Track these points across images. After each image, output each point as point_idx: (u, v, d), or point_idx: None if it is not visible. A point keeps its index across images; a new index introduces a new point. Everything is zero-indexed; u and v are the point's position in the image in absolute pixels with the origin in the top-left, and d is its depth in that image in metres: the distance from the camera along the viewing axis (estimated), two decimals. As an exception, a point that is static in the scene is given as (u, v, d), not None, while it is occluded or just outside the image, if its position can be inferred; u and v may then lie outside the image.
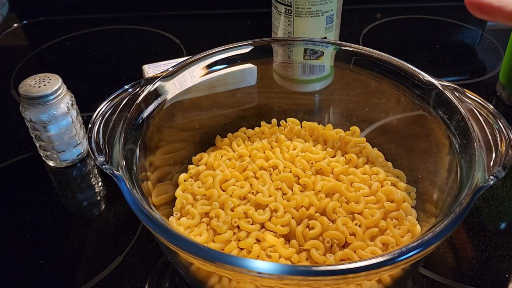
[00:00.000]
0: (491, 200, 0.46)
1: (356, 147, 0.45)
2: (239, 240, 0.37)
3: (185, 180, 0.42)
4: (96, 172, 0.50)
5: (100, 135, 0.34)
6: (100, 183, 0.49)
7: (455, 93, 0.37)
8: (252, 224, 0.38)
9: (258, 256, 0.36)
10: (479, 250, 0.41)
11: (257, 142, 0.45)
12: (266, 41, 0.46)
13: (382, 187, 0.41)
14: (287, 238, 0.38)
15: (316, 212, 0.38)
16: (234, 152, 0.45)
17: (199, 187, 0.41)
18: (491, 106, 0.36)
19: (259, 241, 0.37)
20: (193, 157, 0.45)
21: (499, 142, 0.33)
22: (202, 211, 0.39)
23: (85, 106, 0.54)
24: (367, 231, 0.37)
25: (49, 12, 0.79)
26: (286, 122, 0.49)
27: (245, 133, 0.48)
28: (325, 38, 0.54)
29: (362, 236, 0.37)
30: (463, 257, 0.41)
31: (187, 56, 0.59)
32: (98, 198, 0.47)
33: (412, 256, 0.27)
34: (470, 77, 0.64)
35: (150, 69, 0.56)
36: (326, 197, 0.39)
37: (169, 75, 0.41)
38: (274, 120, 0.48)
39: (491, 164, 0.32)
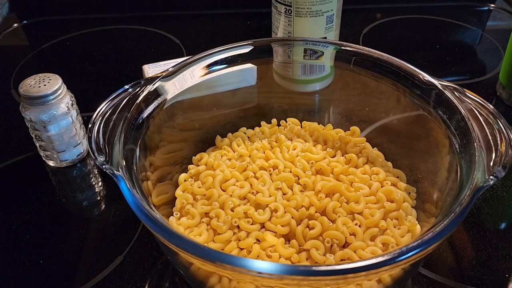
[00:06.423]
0: (491, 200, 0.46)
1: (356, 147, 0.45)
2: (239, 240, 0.37)
3: (185, 180, 0.42)
4: (96, 172, 0.50)
5: (100, 135, 0.34)
6: (100, 183, 0.49)
7: (455, 93, 0.37)
8: (252, 224, 0.38)
9: (258, 256, 0.36)
10: (479, 250, 0.41)
11: (257, 142, 0.45)
12: (266, 41, 0.46)
13: (382, 187, 0.41)
14: (287, 238, 0.38)
15: (316, 212, 0.38)
16: (234, 152, 0.45)
17: (199, 187, 0.41)
18: (491, 106, 0.36)
19: (259, 241, 0.37)
20: (193, 157, 0.45)
21: (499, 142, 0.33)
22: (202, 211, 0.39)
23: (85, 106, 0.54)
24: (367, 231, 0.37)
25: (49, 12, 0.79)
26: (286, 122, 0.49)
27: (245, 133, 0.48)
28: (325, 38, 0.54)
29: (362, 236, 0.37)
30: (463, 257, 0.41)
31: (187, 56, 0.59)
32: (98, 198, 0.47)
33: (412, 256, 0.27)
34: (470, 77, 0.64)
35: (150, 69, 0.56)
36: (326, 197, 0.39)
37: (169, 75, 0.41)
38: (274, 120, 0.48)
39: (491, 164, 0.32)
